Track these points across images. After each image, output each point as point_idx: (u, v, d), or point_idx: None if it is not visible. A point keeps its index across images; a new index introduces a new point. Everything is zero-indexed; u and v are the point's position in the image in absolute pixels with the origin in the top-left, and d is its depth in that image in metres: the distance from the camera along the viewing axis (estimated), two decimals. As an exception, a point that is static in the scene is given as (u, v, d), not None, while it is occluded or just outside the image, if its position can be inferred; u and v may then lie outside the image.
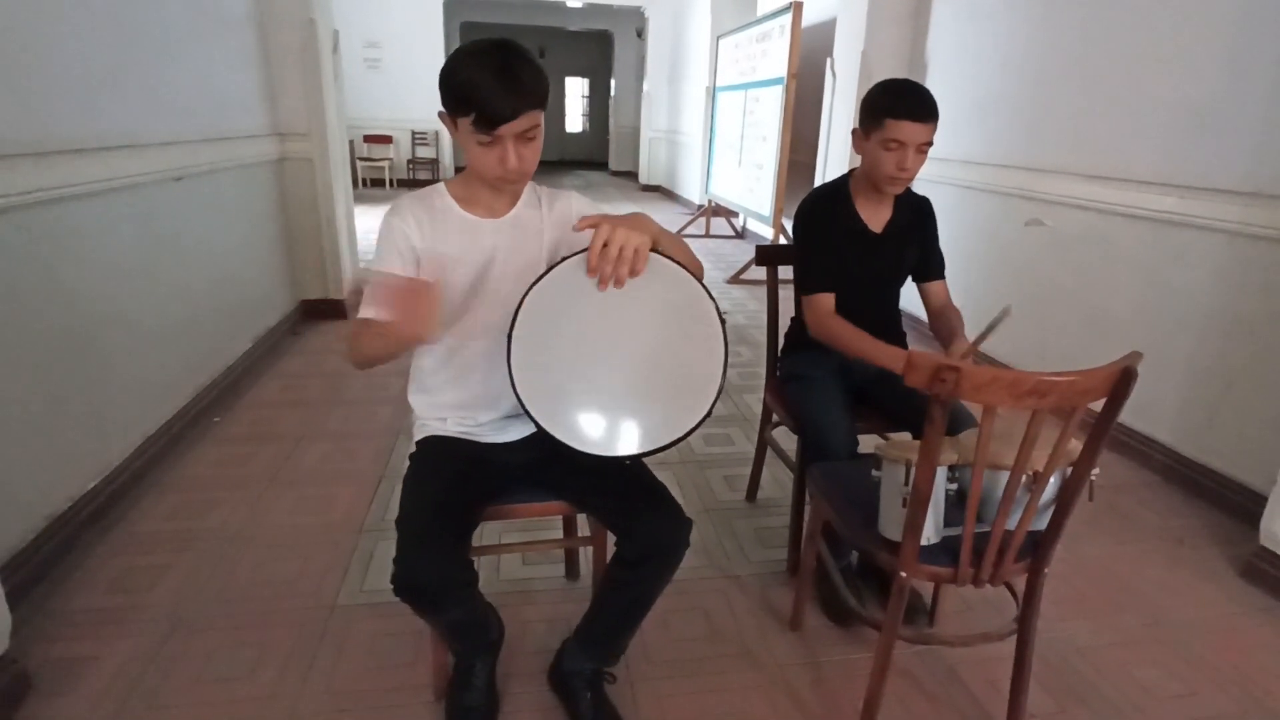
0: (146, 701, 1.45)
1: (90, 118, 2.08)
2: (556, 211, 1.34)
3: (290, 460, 2.44)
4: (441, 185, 1.32)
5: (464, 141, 1.18)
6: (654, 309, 1.18)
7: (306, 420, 2.75)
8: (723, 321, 1.16)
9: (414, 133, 10.29)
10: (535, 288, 1.14)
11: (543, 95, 1.16)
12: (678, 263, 1.17)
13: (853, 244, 1.76)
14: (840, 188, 1.80)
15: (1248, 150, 2.25)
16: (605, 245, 1.09)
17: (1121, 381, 1.11)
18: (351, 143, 4.92)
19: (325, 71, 3.68)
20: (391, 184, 10.10)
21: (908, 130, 1.58)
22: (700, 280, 1.18)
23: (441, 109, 1.20)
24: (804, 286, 1.76)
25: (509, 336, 1.12)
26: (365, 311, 1.23)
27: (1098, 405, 1.15)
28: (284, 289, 3.72)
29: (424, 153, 10.44)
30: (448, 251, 1.27)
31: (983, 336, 1.49)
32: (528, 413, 1.14)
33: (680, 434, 1.15)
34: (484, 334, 1.30)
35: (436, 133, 10.34)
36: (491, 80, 1.10)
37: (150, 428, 2.35)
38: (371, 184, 10.01)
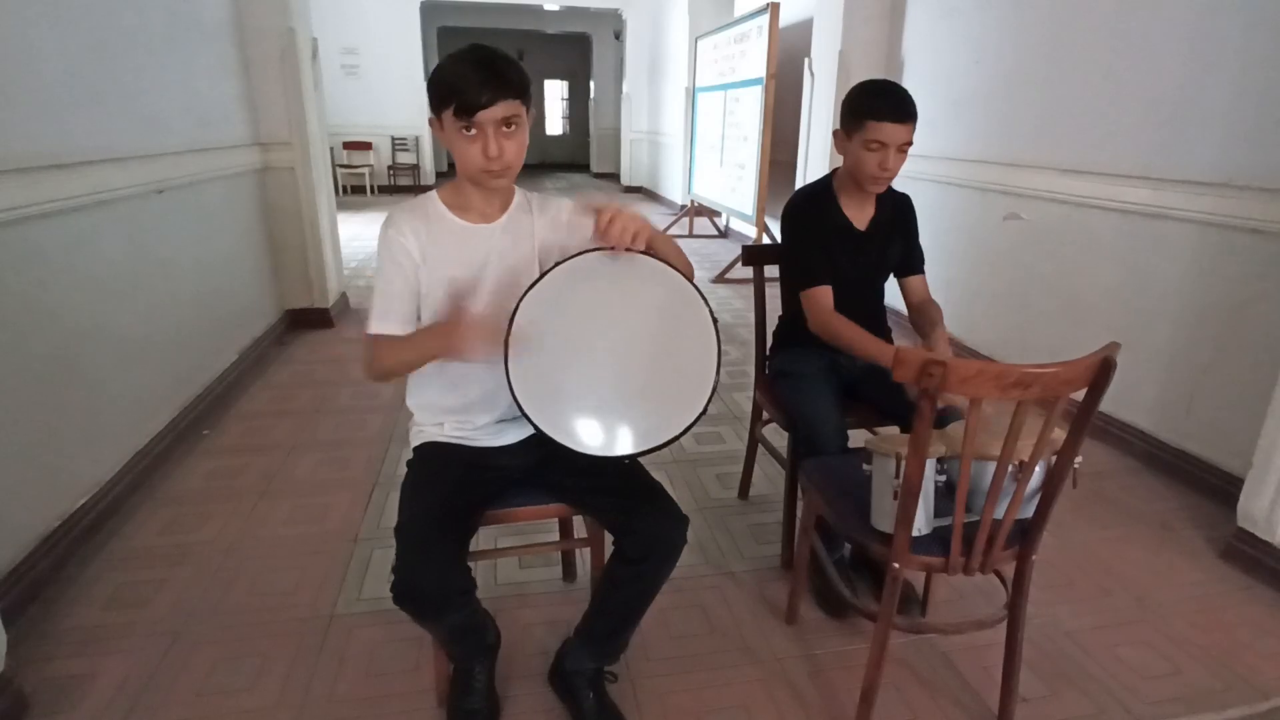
0: (147, 718, 1.45)
1: (71, 132, 2.07)
2: (547, 216, 1.36)
3: (282, 471, 2.43)
4: (434, 194, 1.34)
5: (450, 140, 1.21)
6: (647, 310, 1.20)
7: (297, 430, 2.74)
8: (715, 321, 1.19)
9: (394, 139, 10.26)
10: (530, 293, 1.16)
11: (522, 87, 1.19)
12: (669, 264, 1.20)
13: (840, 242, 1.79)
14: (825, 187, 1.83)
15: (1215, 142, 2.31)
16: (611, 221, 1.16)
17: (1102, 371, 1.15)
18: (331, 150, 4.91)
19: (305, 80, 3.67)
20: (372, 190, 10.06)
21: (888, 131, 1.61)
22: (691, 281, 1.21)
23: (430, 114, 1.22)
24: (803, 281, 1.78)
25: (505, 341, 1.14)
26: (379, 327, 1.27)
27: (1079, 395, 1.19)
28: (269, 299, 3.71)
29: (404, 158, 10.40)
30: (443, 257, 1.29)
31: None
32: (526, 416, 1.16)
33: (676, 432, 1.17)
34: None
35: (417, 138, 10.31)
36: (468, 70, 1.16)
37: (140, 442, 2.34)
38: (352, 191, 9.96)
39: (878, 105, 1.62)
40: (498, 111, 1.16)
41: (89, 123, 2.16)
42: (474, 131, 1.18)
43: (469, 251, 1.30)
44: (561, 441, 1.16)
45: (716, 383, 1.18)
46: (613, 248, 1.18)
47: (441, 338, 1.22)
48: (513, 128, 1.20)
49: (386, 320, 1.28)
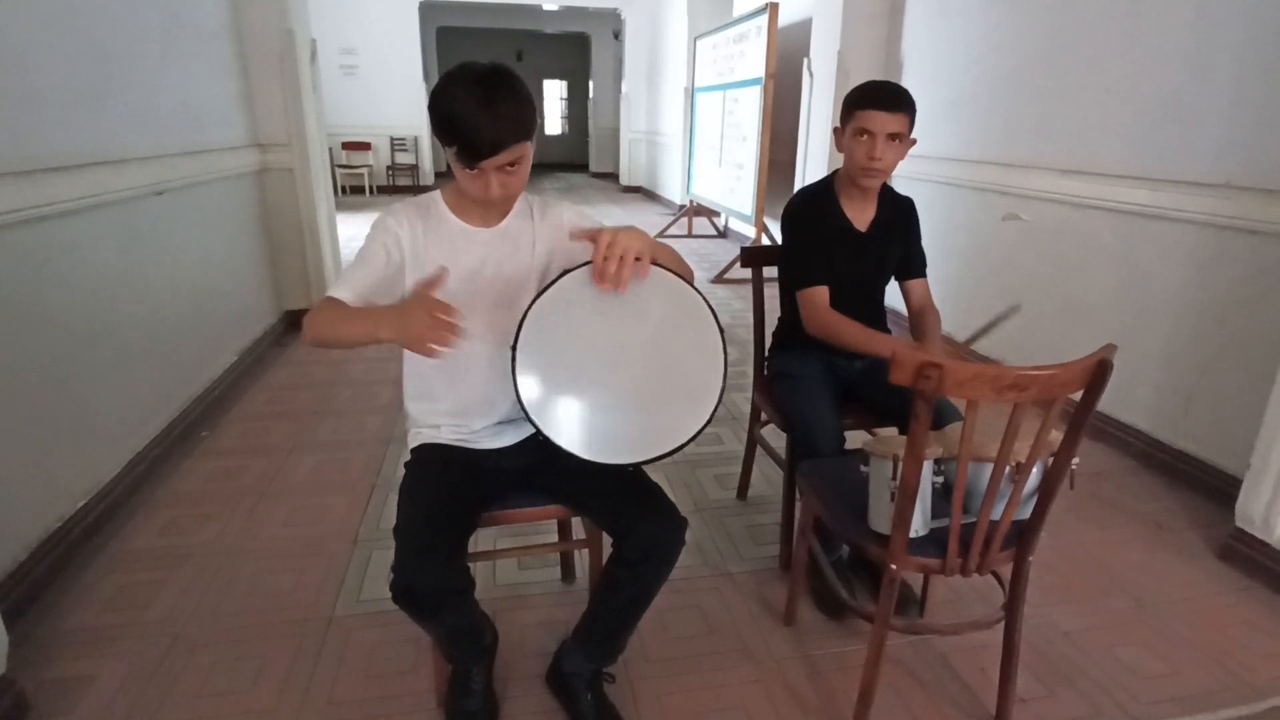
0: (147, 719, 1.45)
1: (70, 134, 2.07)
2: (548, 221, 1.36)
3: (281, 472, 2.43)
4: (437, 193, 1.34)
5: (452, 163, 1.21)
6: (654, 320, 1.21)
7: (296, 432, 2.74)
8: (721, 330, 1.19)
9: (393, 139, 10.25)
10: (538, 301, 1.16)
11: (528, 128, 1.17)
12: (677, 274, 1.20)
13: (839, 242, 1.80)
14: (826, 188, 1.83)
15: (1215, 142, 2.31)
16: (608, 250, 1.11)
17: (1098, 373, 1.15)
18: (330, 150, 4.91)
19: (304, 81, 3.66)
20: (371, 190, 10.05)
21: (875, 119, 1.63)
22: (696, 287, 1.21)
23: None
24: (799, 281, 1.79)
25: (513, 349, 1.15)
26: (337, 290, 1.22)
27: (1077, 395, 1.19)
28: (268, 300, 3.71)
29: (403, 159, 10.40)
30: (439, 257, 1.29)
31: (985, 330, 1.55)
32: (534, 424, 1.16)
33: (682, 441, 1.18)
34: (475, 340, 1.32)
35: (415, 138, 10.31)
36: (475, 114, 1.11)
37: (139, 443, 2.34)
38: (351, 191, 9.95)
39: (866, 95, 1.66)
40: (503, 159, 1.15)
41: (87, 125, 2.16)
42: (476, 171, 1.17)
43: (465, 253, 1.30)
44: (568, 449, 1.16)
45: (723, 392, 1.19)
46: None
47: (390, 315, 1.11)
48: (516, 165, 1.19)
49: (346, 288, 1.22)
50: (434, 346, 1.02)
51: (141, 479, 2.29)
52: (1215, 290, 2.34)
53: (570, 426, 1.17)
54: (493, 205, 1.24)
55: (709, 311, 1.20)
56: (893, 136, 1.64)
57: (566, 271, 1.18)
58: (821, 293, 1.76)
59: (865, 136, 1.65)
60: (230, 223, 3.29)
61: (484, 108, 1.11)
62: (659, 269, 1.20)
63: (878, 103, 1.63)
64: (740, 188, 5.62)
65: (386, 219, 1.29)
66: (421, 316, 1.04)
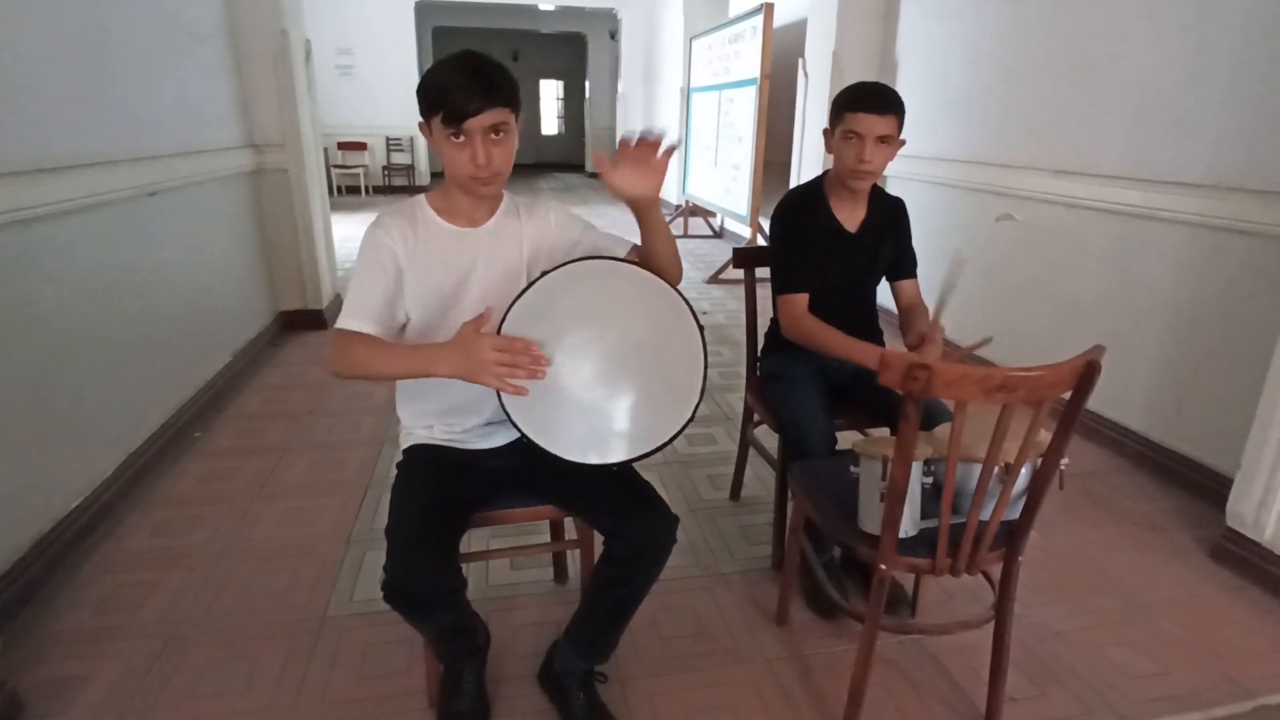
0: (140, 719, 1.45)
1: (63, 136, 2.06)
2: (535, 220, 1.37)
3: (276, 473, 2.43)
4: (422, 198, 1.35)
5: (439, 146, 1.22)
6: (634, 319, 1.21)
7: (290, 432, 2.74)
8: (701, 330, 1.20)
9: (388, 139, 10.24)
10: (518, 301, 1.16)
11: (509, 93, 1.19)
12: (657, 274, 1.21)
13: (829, 243, 1.80)
14: (816, 188, 1.84)
15: (1207, 144, 2.32)
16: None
17: (1086, 375, 1.16)
18: (326, 150, 4.90)
19: (298, 81, 3.66)
20: (367, 191, 10.04)
21: (864, 122, 1.64)
22: (677, 287, 1.22)
23: (420, 119, 1.23)
24: (781, 286, 1.80)
25: None
26: (352, 323, 1.22)
27: (1067, 395, 1.20)
28: (262, 301, 3.71)
29: (399, 159, 10.39)
30: (430, 261, 1.30)
31: (944, 301, 1.62)
32: (514, 423, 1.17)
33: (663, 440, 1.19)
34: None
35: (411, 139, 10.29)
36: (457, 77, 1.16)
37: (133, 444, 2.34)
38: (347, 191, 9.94)
39: (854, 98, 1.67)
40: (485, 119, 1.17)
41: (81, 126, 2.16)
42: (462, 139, 1.18)
43: (456, 256, 1.31)
44: (548, 449, 1.17)
45: (703, 391, 1.20)
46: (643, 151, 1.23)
47: (450, 354, 1.14)
48: (501, 135, 1.20)
49: (360, 317, 1.23)
50: (516, 382, 1.12)
51: (135, 480, 2.29)
52: (1208, 291, 2.35)
53: (551, 427, 1.18)
54: (481, 181, 1.23)
55: (688, 310, 1.20)
56: (881, 139, 1.65)
57: (546, 272, 1.18)
58: (800, 300, 1.77)
59: (854, 139, 1.66)
60: (224, 223, 3.29)
61: (465, 71, 1.17)
62: (639, 269, 1.21)
63: (866, 105, 1.64)
64: (736, 188, 5.64)
65: (376, 233, 1.28)
66: (492, 355, 1.10)
